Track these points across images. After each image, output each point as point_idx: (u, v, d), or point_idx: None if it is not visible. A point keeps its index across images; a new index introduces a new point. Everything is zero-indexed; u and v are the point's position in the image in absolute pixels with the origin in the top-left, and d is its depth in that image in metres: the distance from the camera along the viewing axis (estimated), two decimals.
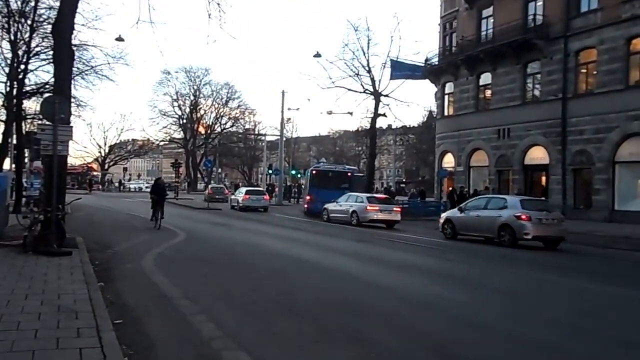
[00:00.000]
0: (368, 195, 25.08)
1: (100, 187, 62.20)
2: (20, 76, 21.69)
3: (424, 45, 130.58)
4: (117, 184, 70.65)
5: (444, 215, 19.64)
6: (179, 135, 75.94)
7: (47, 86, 22.83)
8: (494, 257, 13.97)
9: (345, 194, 25.34)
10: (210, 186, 45.72)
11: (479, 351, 5.47)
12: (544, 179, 28.38)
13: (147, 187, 71.95)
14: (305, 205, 30.37)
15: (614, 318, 7.34)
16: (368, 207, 22.68)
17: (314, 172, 31.55)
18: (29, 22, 20.77)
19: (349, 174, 30.61)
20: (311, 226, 22.15)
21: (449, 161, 34.61)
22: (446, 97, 35.12)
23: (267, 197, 34.06)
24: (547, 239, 16.09)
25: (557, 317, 7.09)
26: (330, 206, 25.23)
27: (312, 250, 13.77)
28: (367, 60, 33.13)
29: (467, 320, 6.69)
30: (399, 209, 23.81)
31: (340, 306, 7.26)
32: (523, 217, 15.69)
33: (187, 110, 73.83)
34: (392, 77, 33.15)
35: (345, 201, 24.45)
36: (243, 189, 36.26)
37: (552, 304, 8.19)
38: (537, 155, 28.31)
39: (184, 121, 74.03)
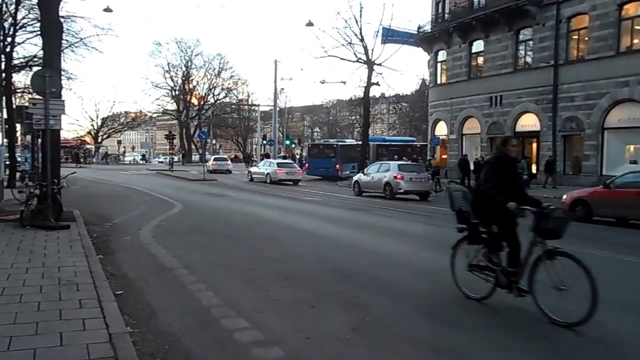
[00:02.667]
0: (278, 161, 32.90)
1: (82, 160, 59.38)
2: (8, 49, 21.39)
3: (417, 13, 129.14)
4: (101, 157, 68.57)
5: (354, 177, 24.50)
6: (172, 106, 75.39)
7: (35, 59, 22.57)
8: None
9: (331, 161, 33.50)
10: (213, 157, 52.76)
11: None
12: (535, 145, 28.56)
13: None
14: (305, 172, 36.04)
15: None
16: (277, 170, 30.23)
17: (309, 145, 42.20)
18: None
19: (334, 145, 36.05)
20: (305, 195, 22.34)
21: (441, 129, 34.67)
22: (439, 65, 34.96)
23: (229, 162, 44.35)
24: (417, 193, 21.32)
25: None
26: (252, 169, 33.89)
27: (305, 219, 13.95)
28: (360, 29, 32.78)
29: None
30: (300, 171, 32.09)
31: (335, 272, 7.45)
32: (398, 176, 20.98)
33: (179, 81, 73.11)
34: (384, 42, 32.92)
35: (262, 166, 32.56)
36: (212, 157, 46.92)
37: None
38: (529, 122, 28.42)
39: (177, 92, 73.36)
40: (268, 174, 30.37)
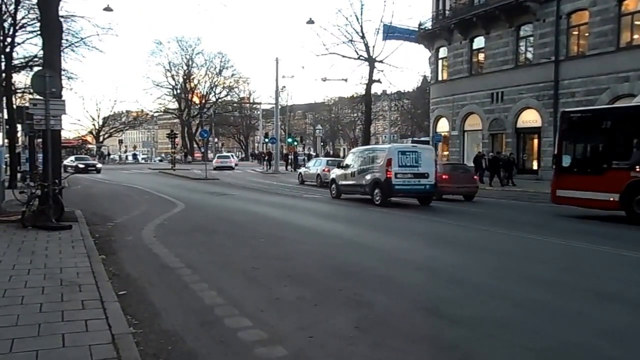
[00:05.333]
0: (218, 154, 47.38)
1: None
2: (8, 49, 21.37)
3: (418, 10, 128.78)
4: (99, 156, 68.42)
5: (299, 170, 30.46)
6: (173, 105, 75.50)
7: (35, 59, 22.56)
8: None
9: None
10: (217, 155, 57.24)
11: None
12: (536, 142, 28.51)
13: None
14: None
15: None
16: (215, 161, 44.41)
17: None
18: None
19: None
20: (304, 192, 22.35)
21: (443, 126, 34.65)
22: (440, 61, 34.93)
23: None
24: None
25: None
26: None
27: (305, 217, 13.96)
28: (361, 26, 32.89)
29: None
30: (231, 160, 47.05)
31: (337, 270, 7.43)
32: (325, 169, 25.08)
33: (181, 80, 73.30)
34: (385, 39, 32.92)
35: (215, 160, 45.96)
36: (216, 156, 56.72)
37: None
38: (530, 118, 28.40)
39: (178, 91, 73.54)
40: (211, 162, 43.89)
